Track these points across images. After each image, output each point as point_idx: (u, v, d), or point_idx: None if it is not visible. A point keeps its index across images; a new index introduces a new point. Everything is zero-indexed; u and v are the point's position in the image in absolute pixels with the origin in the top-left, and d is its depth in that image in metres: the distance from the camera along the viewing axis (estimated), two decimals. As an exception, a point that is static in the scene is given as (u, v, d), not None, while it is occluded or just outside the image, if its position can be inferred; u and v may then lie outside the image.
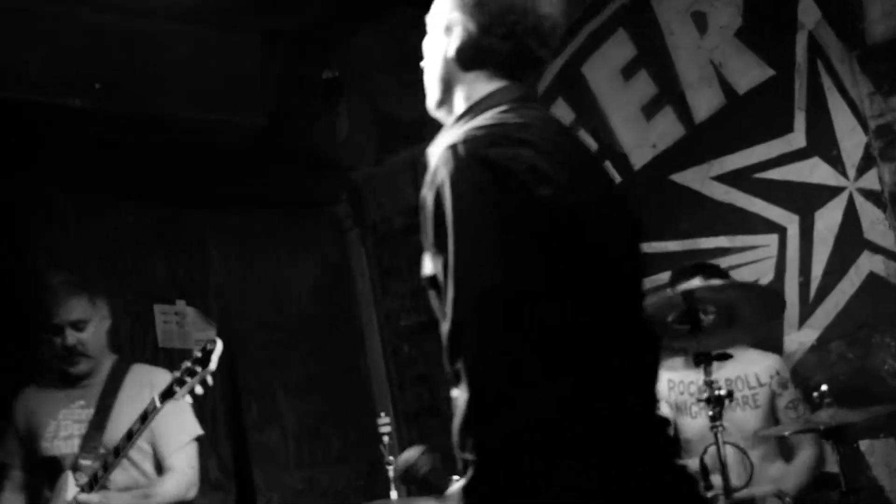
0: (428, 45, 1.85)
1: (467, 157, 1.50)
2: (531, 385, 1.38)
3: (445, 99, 1.80)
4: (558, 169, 1.52)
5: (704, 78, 4.31)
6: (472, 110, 1.69)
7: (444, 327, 1.49)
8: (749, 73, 4.19)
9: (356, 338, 5.65)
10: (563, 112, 4.72)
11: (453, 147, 1.53)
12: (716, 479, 3.12)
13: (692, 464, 3.14)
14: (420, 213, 1.59)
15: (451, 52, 1.76)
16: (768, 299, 3.49)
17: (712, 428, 3.02)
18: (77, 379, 3.46)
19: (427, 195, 1.55)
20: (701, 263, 3.80)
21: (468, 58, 1.74)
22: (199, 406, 3.47)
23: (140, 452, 3.40)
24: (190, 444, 3.52)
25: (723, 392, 3.04)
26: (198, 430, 3.57)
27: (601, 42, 4.61)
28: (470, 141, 1.53)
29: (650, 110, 4.47)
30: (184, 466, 3.47)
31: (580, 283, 1.48)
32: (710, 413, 3.03)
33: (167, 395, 3.17)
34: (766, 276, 4.13)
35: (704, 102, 4.32)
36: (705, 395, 3.04)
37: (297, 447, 5.21)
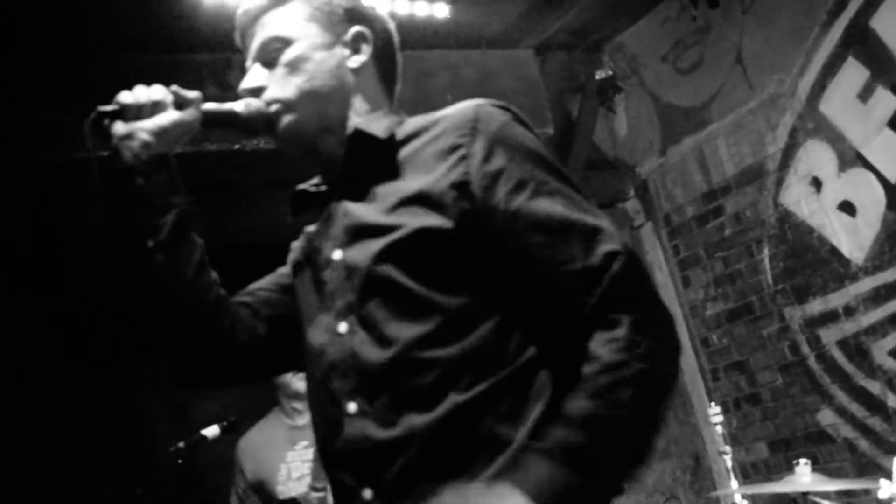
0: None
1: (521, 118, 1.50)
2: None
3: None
4: None
5: None
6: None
7: (580, 265, 1.36)
8: None
9: (662, 332, 5.61)
10: (854, 72, 4.44)
11: (501, 106, 1.49)
12: None
13: None
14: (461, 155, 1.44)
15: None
16: None
17: None
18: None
19: (472, 141, 1.44)
20: None
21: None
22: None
23: None
24: None
25: None
26: None
27: (889, -10, 4.30)
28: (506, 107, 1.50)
29: (956, 54, 4.11)
30: None
31: None
32: None
33: None
34: None
35: None
36: None
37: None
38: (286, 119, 1.55)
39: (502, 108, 1.48)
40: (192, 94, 1.53)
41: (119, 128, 1.47)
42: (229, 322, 1.60)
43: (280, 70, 1.56)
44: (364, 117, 1.59)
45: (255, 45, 1.60)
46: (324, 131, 1.57)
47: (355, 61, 1.60)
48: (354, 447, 1.41)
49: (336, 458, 1.46)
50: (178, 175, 1.54)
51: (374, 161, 1.52)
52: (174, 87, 1.51)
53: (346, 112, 1.59)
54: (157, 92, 1.49)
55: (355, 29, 1.61)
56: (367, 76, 1.62)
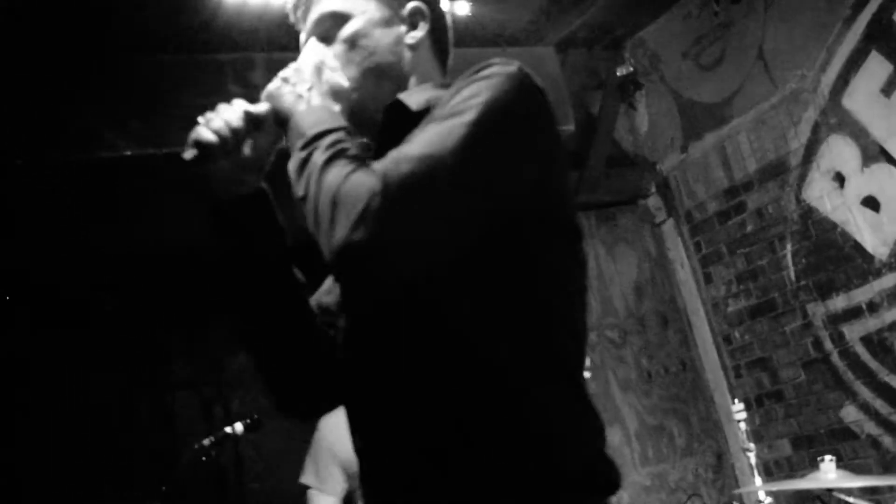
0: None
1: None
2: None
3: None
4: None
5: None
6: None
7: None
8: None
9: (684, 329, 5.60)
10: (878, 66, 4.41)
11: (519, 66, 1.37)
12: None
13: None
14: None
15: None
16: None
17: None
18: None
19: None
20: None
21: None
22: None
23: None
24: None
25: None
26: None
27: (913, -17, 4.27)
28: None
29: (981, 47, 4.07)
30: None
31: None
32: None
33: None
34: None
35: None
36: None
37: (640, 444, 5.24)
38: (351, 98, 1.49)
39: (519, 66, 1.37)
40: (262, 107, 1.43)
41: (212, 172, 1.41)
42: (327, 349, 1.57)
43: (338, 47, 1.53)
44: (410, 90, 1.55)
45: (310, 20, 1.57)
46: (382, 108, 1.51)
47: (412, 37, 1.57)
48: (378, 419, 1.44)
49: (362, 427, 1.51)
50: (274, 201, 1.49)
51: (406, 131, 1.47)
52: (244, 107, 1.41)
53: (404, 89, 1.54)
54: (231, 117, 1.40)
55: (413, 4, 1.58)
56: (424, 51, 1.59)
